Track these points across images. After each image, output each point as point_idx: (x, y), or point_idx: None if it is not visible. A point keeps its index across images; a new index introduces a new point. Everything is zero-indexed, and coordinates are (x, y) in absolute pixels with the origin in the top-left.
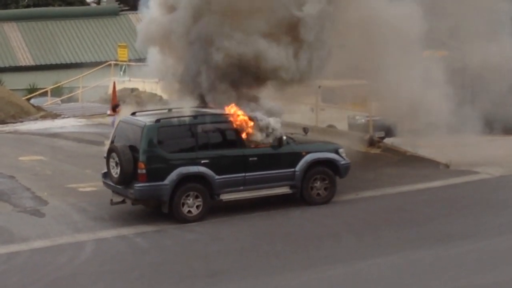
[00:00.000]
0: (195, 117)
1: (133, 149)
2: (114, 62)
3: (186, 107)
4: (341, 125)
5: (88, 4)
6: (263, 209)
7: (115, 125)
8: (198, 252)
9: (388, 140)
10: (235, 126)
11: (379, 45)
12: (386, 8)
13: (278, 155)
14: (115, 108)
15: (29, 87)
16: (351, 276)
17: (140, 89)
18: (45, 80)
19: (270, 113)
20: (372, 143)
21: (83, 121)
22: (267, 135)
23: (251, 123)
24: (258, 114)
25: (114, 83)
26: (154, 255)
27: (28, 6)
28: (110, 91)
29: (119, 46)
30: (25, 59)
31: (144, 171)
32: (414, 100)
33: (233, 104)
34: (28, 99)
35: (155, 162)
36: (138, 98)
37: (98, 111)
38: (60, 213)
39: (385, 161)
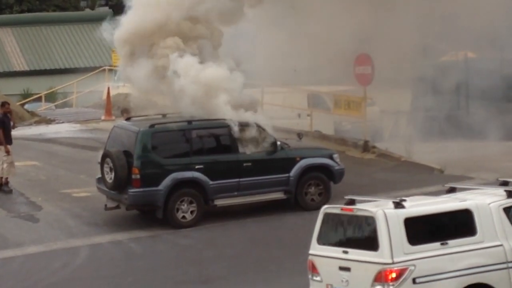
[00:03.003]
0: (189, 122)
1: (127, 154)
2: (109, 67)
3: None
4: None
5: (82, 9)
6: (258, 215)
7: None
8: (193, 257)
9: (382, 146)
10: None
11: None
12: None
13: (272, 160)
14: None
15: (23, 92)
16: None
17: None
18: (39, 85)
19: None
20: (366, 148)
21: (77, 126)
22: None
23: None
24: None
25: (109, 88)
26: (148, 261)
27: (22, 11)
28: (105, 96)
29: (113, 51)
30: (19, 64)
31: (138, 176)
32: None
33: None
34: (22, 105)
35: (149, 167)
36: (132, 103)
37: (93, 116)
38: (55, 219)
39: (379, 166)
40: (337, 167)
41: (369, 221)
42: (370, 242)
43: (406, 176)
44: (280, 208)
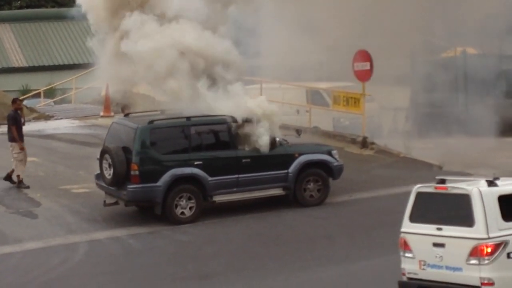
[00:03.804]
0: (188, 118)
1: (126, 150)
2: None
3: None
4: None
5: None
6: (256, 211)
7: None
8: (191, 253)
9: (381, 142)
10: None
11: None
12: None
13: (271, 156)
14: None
15: (22, 89)
16: (344, 278)
17: (133, 90)
18: (38, 82)
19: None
20: (365, 144)
21: (76, 123)
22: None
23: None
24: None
25: (107, 84)
26: (147, 257)
27: (21, 7)
28: (103, 92)
29: None
30: (18, 60)
31: (137, 172)
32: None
33: None
34: (21, 101)
35: (148, 163)
36: (131, 99)
37: (91, 112)
38: (53, 215)
39: (378, 162)
40: (335, 163)
41: (464, 199)
42: (464, 219)
43: (404, 172)
44: (279, 204)
